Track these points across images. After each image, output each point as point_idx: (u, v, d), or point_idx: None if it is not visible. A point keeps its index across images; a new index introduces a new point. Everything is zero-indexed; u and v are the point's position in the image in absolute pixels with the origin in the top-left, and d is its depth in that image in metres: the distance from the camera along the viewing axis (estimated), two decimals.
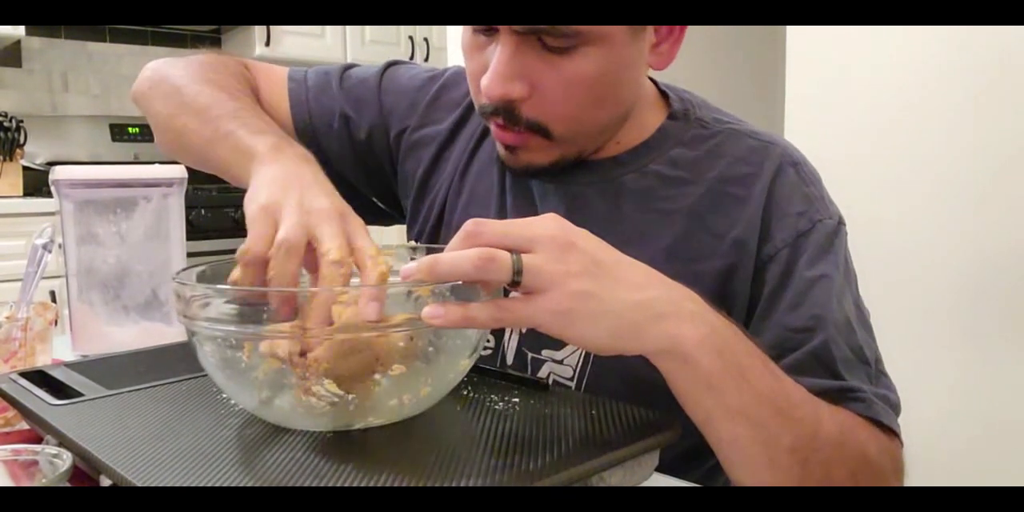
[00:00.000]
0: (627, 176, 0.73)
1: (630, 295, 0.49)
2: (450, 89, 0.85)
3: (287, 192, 0.57)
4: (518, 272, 0.47)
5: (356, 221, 0.57)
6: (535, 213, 0.75)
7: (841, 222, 0.70)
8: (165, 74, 0.80)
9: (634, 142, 0.74)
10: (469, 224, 0.49)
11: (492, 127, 0.70)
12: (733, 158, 0.71)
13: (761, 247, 0.68)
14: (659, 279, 0.52)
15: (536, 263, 0.48)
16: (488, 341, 0.77)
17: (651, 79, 0.77)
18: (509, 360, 0.76)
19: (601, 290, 0.48)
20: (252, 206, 0.57)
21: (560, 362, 0.73)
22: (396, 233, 3.15)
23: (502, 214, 0.78)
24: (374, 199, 0.91)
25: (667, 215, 0.71)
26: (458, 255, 0.48)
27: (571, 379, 0.72)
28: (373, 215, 0.93)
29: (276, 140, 0.66)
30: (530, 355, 0.75)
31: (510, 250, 0.48)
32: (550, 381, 0.73)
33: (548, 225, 0.50)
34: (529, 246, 0.48)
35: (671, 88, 0.78)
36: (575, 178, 0.74)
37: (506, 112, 0.66)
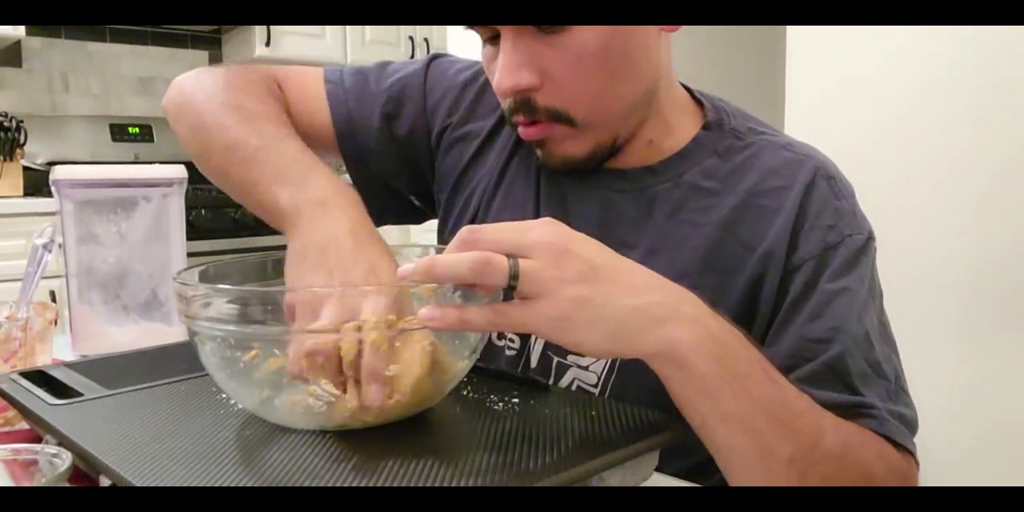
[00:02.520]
0: (660, 186, 0.73)
1: (627, 300, 0.49)
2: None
3: (319, 273, 0.58)
4: (514, 277, 0.47)
5: (373, 290, 0.55)
6: (567, 217, 0.75)
7: (871, 238, 0.69)
8: (190, 98, 0.78)
9: (669, 151, 0.73)
10: (464, 231, 0.49)
11: (519, 129, 0.69)
12: (766, 170, 0.71)
13: (788, 258, 0.67)
14: (659, 283, 0.52)
15: (532, 269, 0.47)
16: (513, 341, 0.77)
17: (685, 87, 0.77)
18: (533, 363, 0.75)
19: (598, 296, 0.48)
20: (295, 296, 0.55)
21: (585, 368, 0.72)
22: (396, 232, 3.15)
23: (536, 215, 0.77)
24: (411, 197, 0.90)
25: (699, 226, 0.70)
26: (455, 258, 0.48)
27: (595, 386, 0.72)
28: (408, 214, 0.92)
29: (293, 194, 0.65)
30: (555, 359, 0.74)
31: (508, 255, 0.48)
32: (574, 387, 0.73)
33: (544, 231, 0.50)
34: (526, 252, 0.48)
35: (705, 96, 0.77)
36: (609, 184, 0.74)
37: (523, 105, 0.66)
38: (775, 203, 0.69)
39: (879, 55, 1.55)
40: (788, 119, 1.69)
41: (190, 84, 0.80)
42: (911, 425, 0.63)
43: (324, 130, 0.84)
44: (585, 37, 0.63)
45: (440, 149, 0.85)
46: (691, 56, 2.66)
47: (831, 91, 1.62)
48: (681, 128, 0.74)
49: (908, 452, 0.61)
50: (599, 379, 0.72)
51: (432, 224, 0.89)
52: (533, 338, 0.76)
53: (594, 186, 0.74)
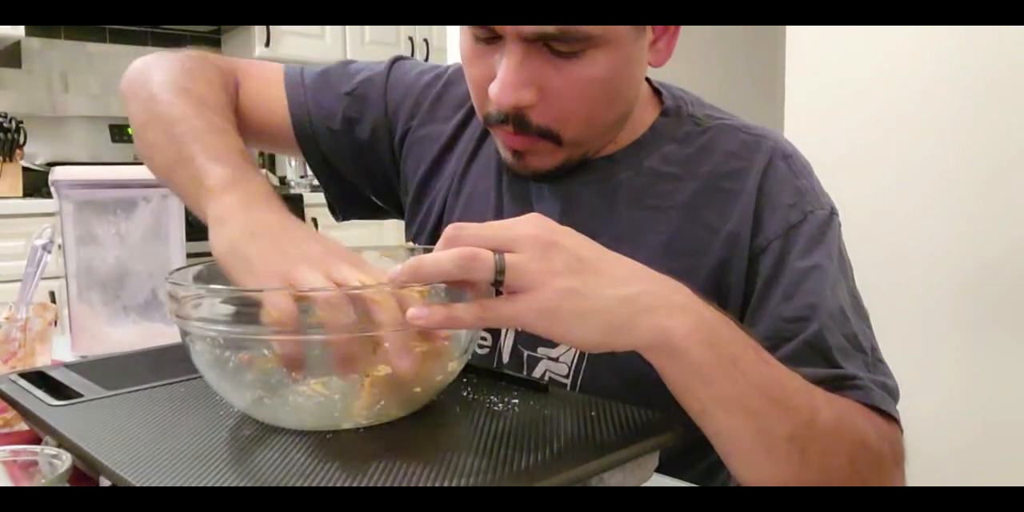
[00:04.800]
0: (621, 174, 0.73)
1: (616, 290, 0.49)
2: (454, 86, 0.84)
3: (274, 254, 0.56)
4: (500, 271, 0.47)
5: (338, 259, 0.55)
6: (531, 210, 0.75)
7: (833, 212, 0.70)
8: (146, 77, 0.79)
9: (628, 140, 0.74)
10: (450, 228, 0.49)
11: (500, 134, 0.70)
12: (725, 153, 0.72)
13: (753, 240, 0.68)
14: (646, 273, 0.52)
15: (519, 262, 0.47)
16: (484, 340, 0.77)
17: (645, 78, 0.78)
18: (505, 359, 0.76)
19: (585, 287, 0.48)
20: (248, 281, 0.55)
21: (556, 359, 0.73)
22: (396, 235, 3.15)
23: (499, 215, 0.78)
24: (373, 198, 0.91)
25: (662, 211, 0.71)
26: (440, 255, 0.48)
27: (567, 376, 0.72)
28: (372, 211, 0.93)
29: (231, 172, 0.64)
30: (526, 353, 0.74)
31: (494, 251, 0.48)
32: (546, 379, 0.73)
33: (530, 224, 0.50)
34: (511, 246, 0.48)
35: (664, 86, 0.78)
36: (570, 178, 0.74)
37: (516, 120, 0.66)
38: (736, 185, 0.70)
39: (879, 55, 1.55)
40: (788, 119, 1.69)
41: (150, 62, 0.81)
42: (893, 393, 0.64)
43: (283, 130, 0.84)
44: (592, 68, 0.63)
45: (402, 152, 0.85)
46: (691, 56, 2.65)
47: (831, 91, 1.62)
48: (640, 118, 0.74)
49: (893, 419, 0.62)
50: (570, 369, 0.72)
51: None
52: (504, 334, 0.76)
53: (556, 179, 0.75)
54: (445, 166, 0.83)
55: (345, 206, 0.92)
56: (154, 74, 0.78)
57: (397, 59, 0.88)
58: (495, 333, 0.77)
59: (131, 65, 0.82)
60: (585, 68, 0.63)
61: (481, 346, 0.77)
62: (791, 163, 0.71)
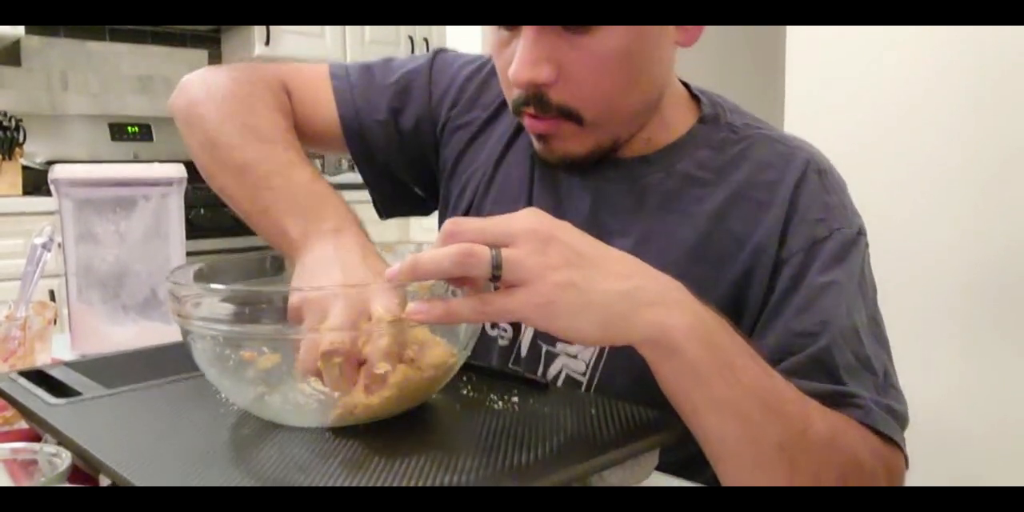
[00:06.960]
0: (653, 176, 0.73)
1: (614, 285, 0.49)
2: (495, 77, 0.84)
3: (327, 277, 0.58)
4: (497, 266, 0.47)
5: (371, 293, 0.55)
6: (559, 206, 0.76)
7: (861, 233, 0.70)
8: (197, 108, 0.78)
9: (663, 142, 0.74)
10: (448, 223, 0.50)
11: (525, 120, 0.70)
12: (759, 163, 0.71)
13: (778, 252, 0.68)
14: (644, 269, 0.52)
15: (516, 256, 0.47)
16: (506, 331, 0.78)
17: (684, 83, 0.78)
18: (523, 352, 0.76)
19: (583, 281, 0.48)
20: (301, 299, 0.55)
21: (574, 356, 0.73)
22: (395, 229, 3.15)
23: (529, 206, 0.77)
24: (417, 189, 0.91)
25: (690, 216, 0.71)
26: (437, 252, 0.48)
27: (584, 373, 0.72)
28: (417, 206, 0.93)
29: (304, 225, 0.64)
30: (544, 347, 0.74)
31: (491, 246, 0.48)
32: (563, 376, 0.73)
33: (528, 219, 0.50)
34: (509, 240, 0.48)
35: (704, 92, 0.78)
36: (602, 174, 0.74)
37: (536, 99, 0.66)
38: (766, 196, 0.70)
39: (879, 55, 1.55)
40: (788, 119, 1.69)
41: (196, 90, 0.79)
42: (900, 419, 0.62)
43: (332, 128, 0.85)
44: (609, 41, 0.64)
45: (443, 141, 0.86)
46: (691, 55, 2.65)
47: (831, 91, 1.62)
48: (677, 122, 0.74)
49: (896, 445, 0.61)
50: (587, 367, 0.72)
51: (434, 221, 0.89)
52: (524, 327, 0.76)
53: (587, 176, 0.75)
54: (479, 151, 0.83)
55: (391, 205, 0.93)
56: (206, 106, 0.77)
57: (440, 51, 0.89)
58: (516, 326, 0.77)
59: (178, 87, 0.81)
60: (600, 42, 0.64)
61: (502, 337, 0.78)
62: (824, 178, 0.71)
